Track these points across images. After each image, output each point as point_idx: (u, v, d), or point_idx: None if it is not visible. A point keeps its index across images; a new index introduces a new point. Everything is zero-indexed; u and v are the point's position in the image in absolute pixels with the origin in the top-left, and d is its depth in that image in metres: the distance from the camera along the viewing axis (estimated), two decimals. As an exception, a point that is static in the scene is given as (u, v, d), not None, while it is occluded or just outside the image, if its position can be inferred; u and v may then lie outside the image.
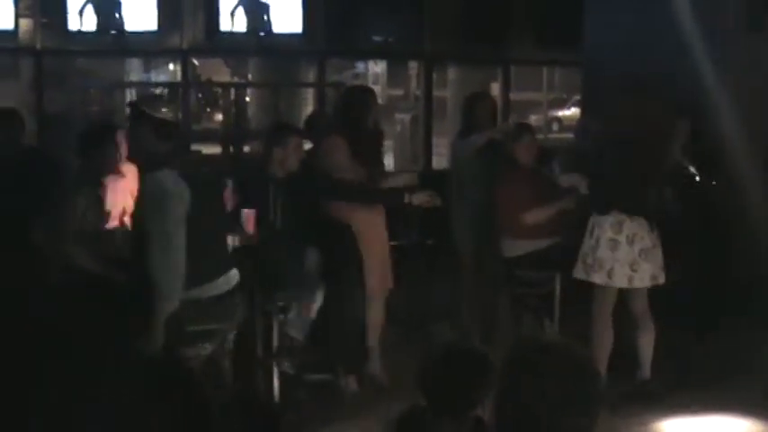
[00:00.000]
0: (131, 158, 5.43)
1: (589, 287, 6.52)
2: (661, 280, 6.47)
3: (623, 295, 6.51)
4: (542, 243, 7.04)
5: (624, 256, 6.35)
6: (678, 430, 6.21)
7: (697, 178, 7.68)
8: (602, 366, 6.31)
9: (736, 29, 8.33)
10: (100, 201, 6.02)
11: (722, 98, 8.13)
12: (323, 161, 6.58)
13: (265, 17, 11.76)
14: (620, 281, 6.38)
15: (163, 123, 4.89)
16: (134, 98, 4.58)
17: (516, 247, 7.07)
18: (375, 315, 6.72)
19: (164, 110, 4.90)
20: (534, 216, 6.93)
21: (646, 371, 6.61)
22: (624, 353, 6.57)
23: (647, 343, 6.58)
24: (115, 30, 11.17)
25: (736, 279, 7.70)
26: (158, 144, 4.83)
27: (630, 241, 6.37)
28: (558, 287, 6.97)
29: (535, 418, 2.33)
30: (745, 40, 8.29)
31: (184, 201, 4.70)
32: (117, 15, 11.20)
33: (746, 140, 8.00)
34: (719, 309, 7.50)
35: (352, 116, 6.64)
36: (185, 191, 4.71)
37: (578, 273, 6.49)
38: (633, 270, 6.37)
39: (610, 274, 6.37)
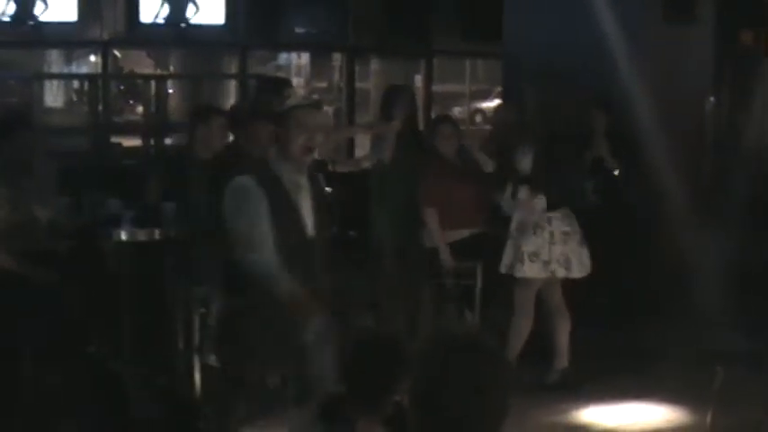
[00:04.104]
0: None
1: (509, 278, 6.61)
2: (590, 267, 6.63)
3: (541, 287, 6.62)
4: (463, 233, 7.08)
5: (573, 248, 6.55)
6: (596, 418, 6.31)
7: (615, 172, 7.81)
8: (515, 355, 6.45)
9: (655, 22, 8.45)
10: (15, 196, 5.91)
11: (641, 91, 8.25)
12: (253, 149, 6.60)
13: (187, 8, 11.68)
14: (568, 272, 6.56)
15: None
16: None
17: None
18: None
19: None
20: (429, 216, 6.99)
21: (563, 360, 6.70)
22: (542, 342, 6.67)
23: (563, 333, 6.68)
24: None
25: (654, 272, 7.83)
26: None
27: (568, 234, 6.51)
28: (479, 277, 7.03)
29: (446, 408, 2.37)
30: (664, 33, 8.41)
31: None
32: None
33: (666, 134, 8.12)
34: (637, 301, 7.62)
35: (269, 106, 6.69)
36: None
37: (527, 271, 6.57)
38: (578, 260, 6.58)
39: (553, 266, 6.51)
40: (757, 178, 8.37)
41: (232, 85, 13.56)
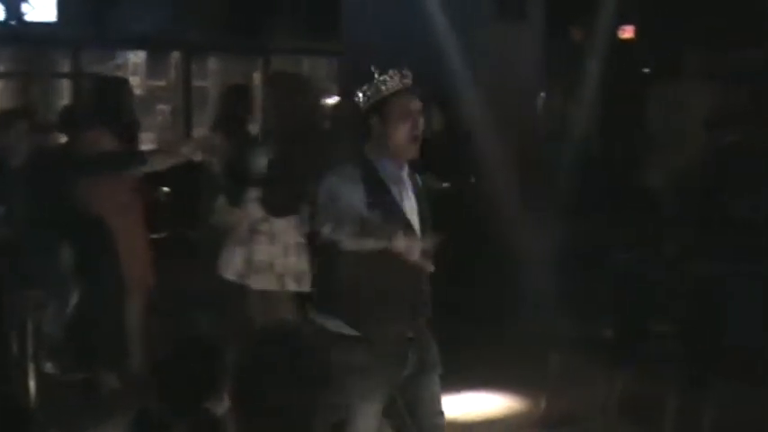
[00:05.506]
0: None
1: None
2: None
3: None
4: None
5: (303, 260, 5.90)
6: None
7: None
8: None
9: (487, 19, 8.63)
10: None
11: (474, 88, 8.41)
12: (89, 151, 6.46)
13: (18, 5, 11.39)
14: (300, 285, 5.86)
15: None
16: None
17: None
18: (135, 309, 6.63)
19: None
20: None
21: None
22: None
23: None
24: None
25: (491, 263, 8.00)
26: None
27: (301, 244, 5.90)
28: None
29: (265, 402, 2.37)
30: (496, 30, 8.60)
31: None
32: None
33: (499, 128, 8.29)
34: (474, 292, 7.77)
35: (107, 108, 6.61)
36: None
37: (263, 283, 5.87)
38: (306, 273, 5.86)
39: (285, 279, 5.89)
40: (586, 168, 8.64)
41: (65, 85, 13.25)
